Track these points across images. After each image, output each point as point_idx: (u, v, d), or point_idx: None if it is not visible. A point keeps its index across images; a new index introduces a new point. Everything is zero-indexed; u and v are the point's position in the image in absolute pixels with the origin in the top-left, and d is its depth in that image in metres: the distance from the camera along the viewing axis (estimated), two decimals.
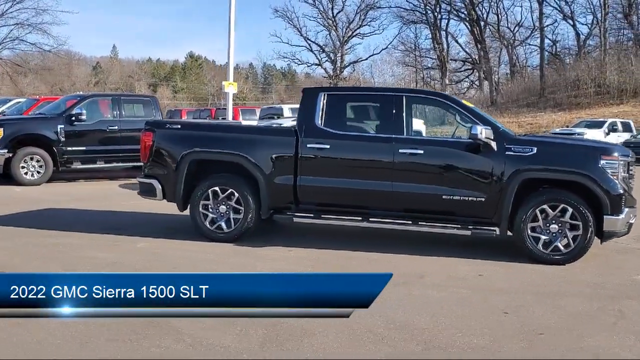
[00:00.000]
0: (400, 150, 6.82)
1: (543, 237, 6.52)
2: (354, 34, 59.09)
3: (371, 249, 6.93)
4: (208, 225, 7.27)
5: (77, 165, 12.93)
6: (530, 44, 55.26)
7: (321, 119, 7.08)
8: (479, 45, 52.88)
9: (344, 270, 6.08)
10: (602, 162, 6.49)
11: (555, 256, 6.49)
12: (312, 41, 58.36)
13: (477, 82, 56.66)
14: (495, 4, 52.02)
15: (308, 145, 7.02)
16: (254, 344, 4.09)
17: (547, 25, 51.06)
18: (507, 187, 6.54)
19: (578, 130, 25.85)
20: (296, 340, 4.16)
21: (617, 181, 6.43)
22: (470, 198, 6.66)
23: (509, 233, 6.71)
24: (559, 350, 4.17)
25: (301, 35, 58.32)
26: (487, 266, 6.39)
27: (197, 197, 7.25)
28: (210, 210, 7.29)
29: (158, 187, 7.42)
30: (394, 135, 6.90)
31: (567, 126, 31.63)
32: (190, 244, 7.16)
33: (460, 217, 6.76)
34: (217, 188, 7.23)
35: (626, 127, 27.51)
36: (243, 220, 7.18)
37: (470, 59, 56.08)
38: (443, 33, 54.92)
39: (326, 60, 59.56)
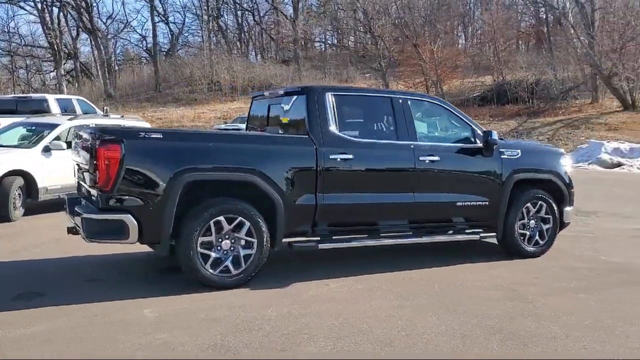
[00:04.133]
0: (420, 158, 6.36)
1: (528, 232, 7.08)
2: None
3: (402, 266, 6.34)
4: (210, 270, 5.41)
5: None
6: (123, 38, 55.40)
7: (335, 125, 6.00)
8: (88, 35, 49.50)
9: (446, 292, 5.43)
10: (561, 161, 7.38)
11: (533, 248, 7.12)
12: None
13: (73, 73, 52.89)
14: None
15: (330, 157, 5.88)
16: None
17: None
18: (504, 189, 6.84)
19: (239, 125, 27.14)
20: None
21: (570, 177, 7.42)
22: (478, 202, 6.73)
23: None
24: None
25: None
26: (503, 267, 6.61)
27: (192, 233, 5.30)
28: (213, 248, 5.43)
29: (133, 224, 5.10)
30: (413, 142, 6.38)
31: (226, 122, 33.03)
32: (201, 297, 5.21)
33: (470, 223, 6.76)
34: (221, 218, 5.42)
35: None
36: (257, 256, 5.59)
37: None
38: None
39: None
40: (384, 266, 6.35)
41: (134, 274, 6.07)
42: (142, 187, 5.20)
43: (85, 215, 5.17)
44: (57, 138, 9.94)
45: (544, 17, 54.76)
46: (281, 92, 6.61)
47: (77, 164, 6.34)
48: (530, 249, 7.10)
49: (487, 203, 6.77)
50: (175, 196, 5.22)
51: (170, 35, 57.40)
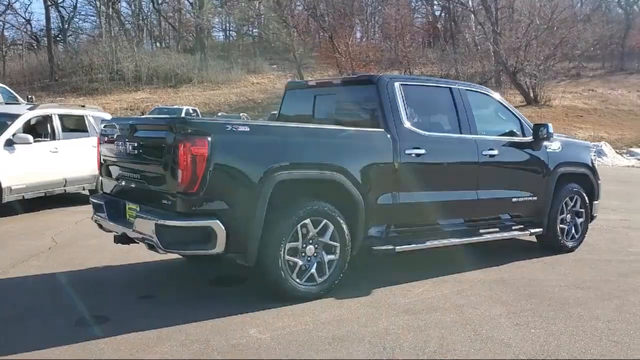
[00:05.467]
0: (482, 152, 6.07)
1: (566, 227, 7.03)
2: None
3: (461, 266, 6.02)
4: (296, 279, 4.81)
5: None
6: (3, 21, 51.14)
7: (407, 118, 5.55)
8: None
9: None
10: (591, 154, 7.40)
11: (572, 243, 7.10)
12: None
13: None
14: None
15: (406, 152, 5.44)
16: None
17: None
18: (550, 184, 6.73)
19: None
20: None
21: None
22: (529, 198, 6.56)
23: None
24: None
25: None
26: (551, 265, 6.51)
27: (280, 239, 4.68)
28: (298, 255, 4.83)
29: (221, 231, 4.39)
30: (475, 136, 6.08)
31: (143, 113, 31.30)
32: (295, 312, 4.59)
33: (520, 219, 6.56)
34: (308, 221, 4.83)
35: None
36: (340, 262, 5.05)
37: None
38: None
39: None
40: (442, 267, 6.00)
41: (189, 289, 5.28)
42: (230, 188, 4.48)
43: (162, 222, 4.36)
44: (20, 130, 8.68)
45: (440, 14, 56.91)
46: (337, 81, 6.06)
47: (106, 159, 5.47)
48: (570, 243, 7.05)
49: (536, 198, 6.61)
50: (265, 198, 4.56)
51: (60, 20, 53.59)
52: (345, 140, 5.15)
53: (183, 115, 27.05)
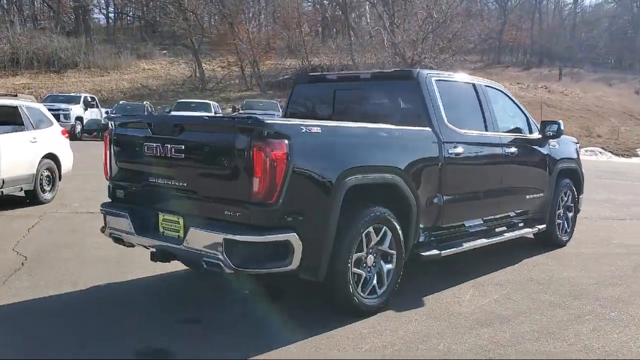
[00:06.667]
0: (505, 150, 5.98)
1: (561, 222, 7.15)
2: None
3: (482, 268, 5.92)
4: (361, 293, 4.42)
5: None
6: None
7: (446, 115, 5.30)
8: None
9: None
10: (577, 150, 7.57)
11: (566, 237, 7.25)
12: None
13: None
14: None
15: (449, 151, 5.19)
16: None
17: None
18: (552, 180, 6.80)
19: (63, 105, 23.59)
20: None
21: None
22: (538, 195, 6.58)
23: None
24: None
25: None
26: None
27: (350, 249, 4.28)
28: (362, 266, 4.45)
29: (298, 245, 3.90)
30: (498, 134, 5.96)
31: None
32: (375, 325, 4.21)
33: (527, 217, 6.55)
34: (371, 229, 4.46)
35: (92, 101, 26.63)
36: (396, 271, 4.73)
37: None
38: None
39: None
40: (460, 269, 5.85)
41: (227, 307, 4.68)
42: (305, 197, 3.98)
43: (233, 237, 3.77)
44: None
45: (329, 3, 57.16)
46: (366, 75, 5.66)
47: (125, 162, 4.74)
48: (564, 237, 7.19)
49: (543, 195, 6.65)
50: (338, 205, 4.12)
51: None
52: (399, 141, 4.81)
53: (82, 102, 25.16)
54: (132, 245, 4.68)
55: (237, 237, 3.79)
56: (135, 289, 5.17)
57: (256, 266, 3.89)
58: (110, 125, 4.86)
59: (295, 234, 3.89)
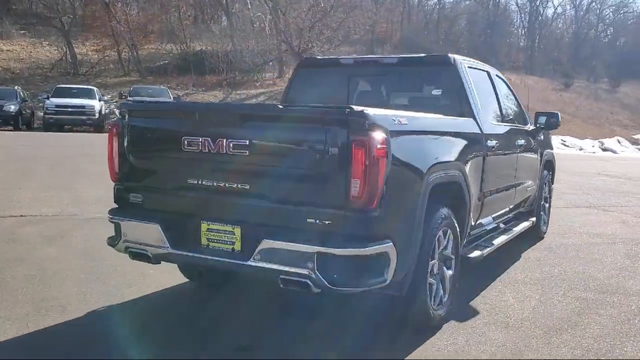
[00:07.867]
0: (517, 142, 5.75)
1: (542, 213, 7.14)
2: None
3: (503, 265, 5.68)
4: (432, 304, 3.95)
5: None
6: None
7: (477, 105, 4.93)
8: None
9: None
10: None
11: (545, 228, 7.26)
12: None
13: None
14: None
15: (488, 143, 4.84)
16: None
17: None
18: (540, 171, 6.74)
19: None
20: None
21: None
22: (532, 187, 6.48)
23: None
24: None
25: None
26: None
27: (427, 257, 3.80)
28: (432, 274, 3.97)
29: (394, 256, 3.33)
30: (512, 125, 5.72)
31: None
32: (451, 340, 3.76)
33: (523, 209, 6.42)
34: (441, 232, 3.99)
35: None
36: (455, 277, 4.30)
37: None
38: None
39: None
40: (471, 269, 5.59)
41: (274, 329, 4.00)
42: (399, 200, 3.41)
43: (328, 250, 3.11)
44: None
45: None
46: (390, 60, 5.11)
47: (147, 160, 3.86)
48: (544, 229, 7.18)
49: (535, 187, 6.56)
50: (423, 207, 3.60)
51: None
52: (461, 134, 4.35)
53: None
54: (158, 262, 3.83)
55: (335, 251, 3.13)
56: (142, 309, 4.29)
57: (356, 284, 3.25)
58: (119, 115, 3.93)
59: (391, 243, 3.31)
